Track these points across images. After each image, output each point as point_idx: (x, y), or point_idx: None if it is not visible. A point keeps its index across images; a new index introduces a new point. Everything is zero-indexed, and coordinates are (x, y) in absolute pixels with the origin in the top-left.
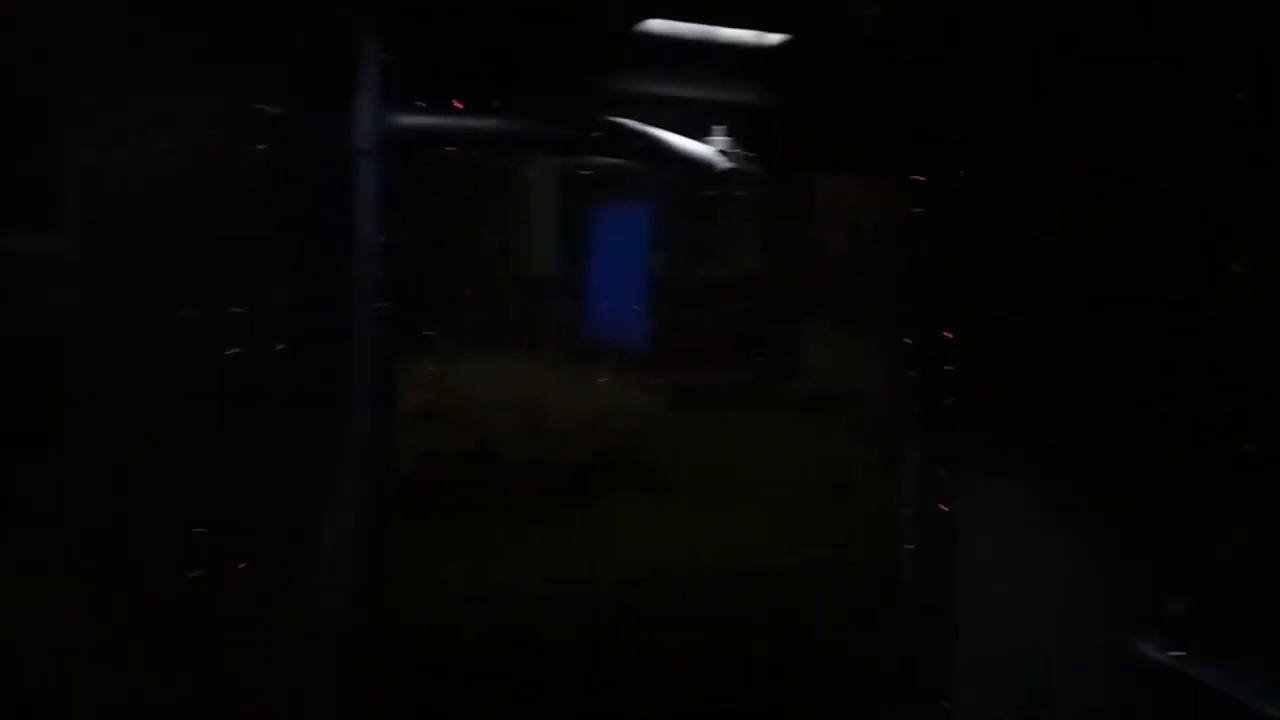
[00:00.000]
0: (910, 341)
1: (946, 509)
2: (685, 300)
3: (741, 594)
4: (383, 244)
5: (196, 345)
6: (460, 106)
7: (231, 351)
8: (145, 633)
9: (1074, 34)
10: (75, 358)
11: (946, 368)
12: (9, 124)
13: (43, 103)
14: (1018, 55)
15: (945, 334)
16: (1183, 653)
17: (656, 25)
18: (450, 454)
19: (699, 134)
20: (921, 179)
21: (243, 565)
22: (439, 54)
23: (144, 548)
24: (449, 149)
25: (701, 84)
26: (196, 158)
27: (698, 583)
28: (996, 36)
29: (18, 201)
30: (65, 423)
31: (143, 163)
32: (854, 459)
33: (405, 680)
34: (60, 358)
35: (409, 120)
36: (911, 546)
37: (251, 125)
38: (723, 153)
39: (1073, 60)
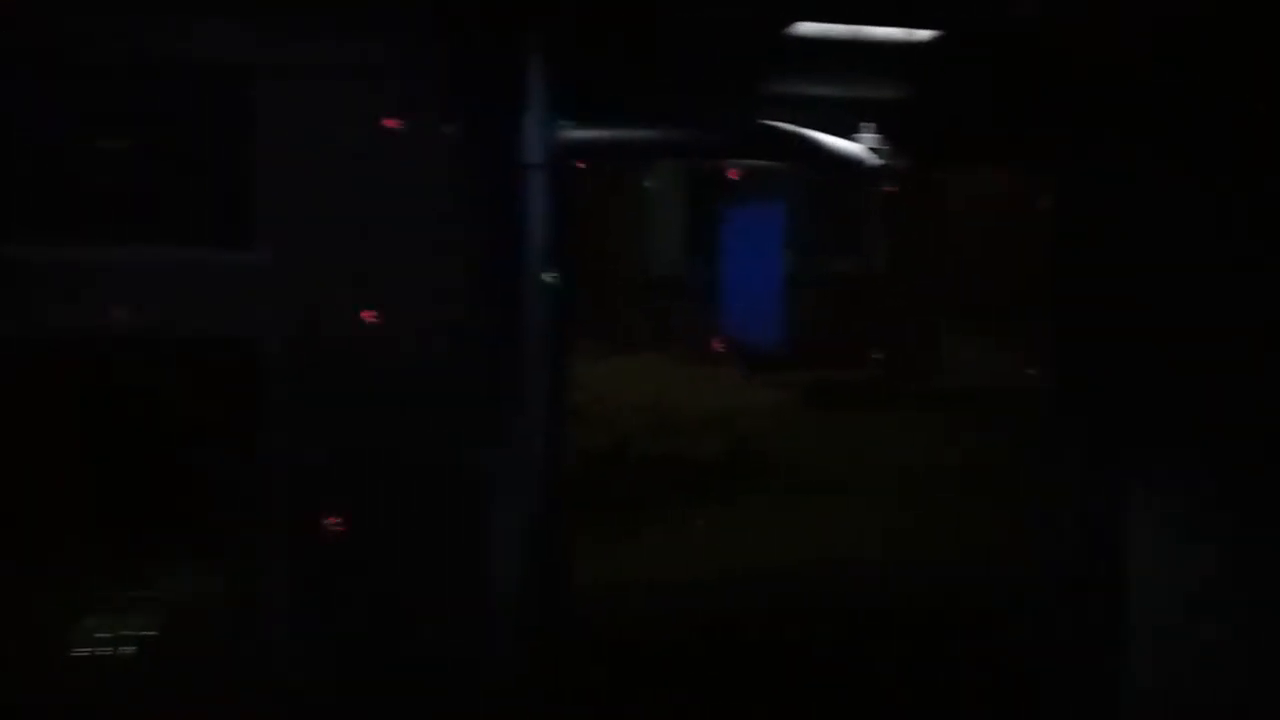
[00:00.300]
0: (1062, 337)
1: (1110, 508)
2: (823, 298)
3: (884, 591)
4: (548, 252)
5: (380, 347)
6: (624, 120)
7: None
8: (341, 612)
9: (1239, 31)
10: (271, 357)
11: (1104, 363)
12: (214, 150)
13: (246, 131)
14: (1175, 52)
15: (1098, 328)
16: None
17: (808, 28)
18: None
19: (847, 132)
20: (1069, 173)
21: (425, 551)
22: (600, 69)
23: (341, 535)
24: (609, 160)
25: (851, 83)
26: (378, 175)
27: (833, 577)
28: (1157, 32)
29: (220, 217)
30: (266, 419)
31: (330, 181)
32: (996, 456)
33: (568, 654)
34: (255, 358)
35: (573, 134)
36: (1072, 546)
37: (430, 144)
38: (872, 150)
39: (1235, 59)
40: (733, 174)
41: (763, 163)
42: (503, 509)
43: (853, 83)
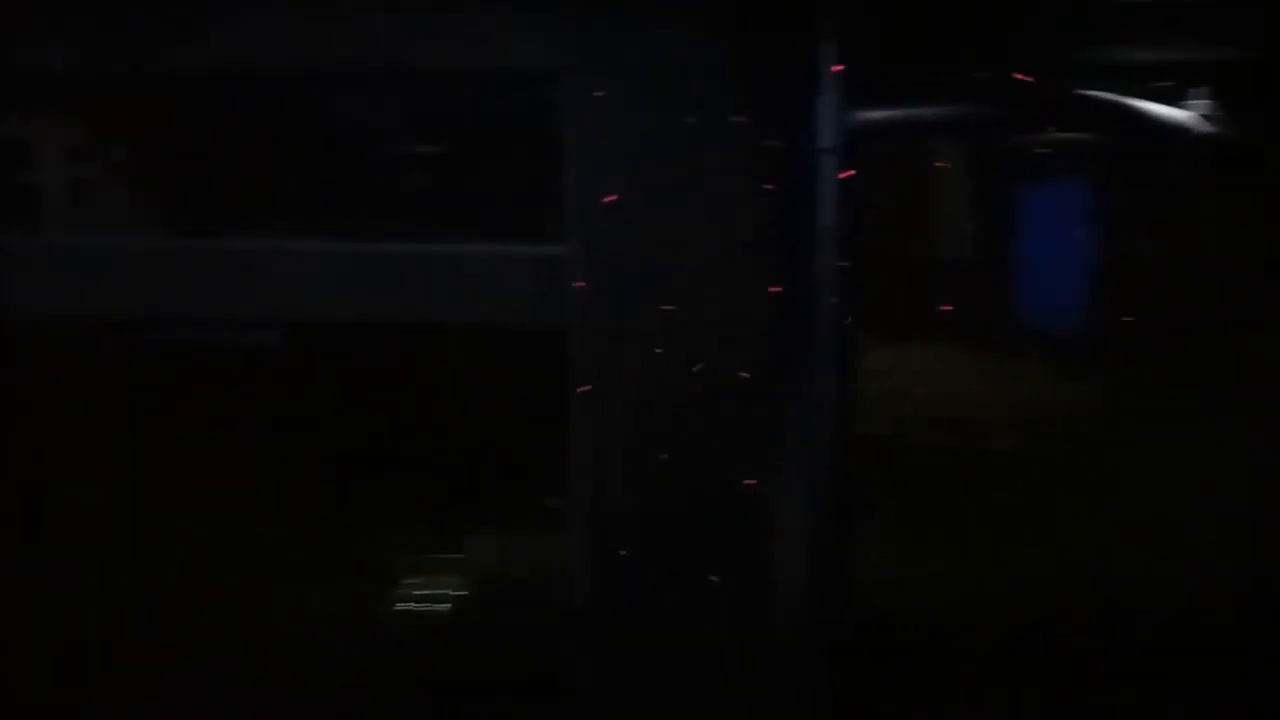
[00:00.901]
0: None
1: None
2: (1131, 282)
3: (1190, 603)
4: (841, 237)
5: (676, 336)
6: (920, 98)
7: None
8: (633, 592)
9: None
10: (576, 347)
11: None
12: (528, 150)
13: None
14: None
15: None
16: None
17: None
18: (889, 441)
19: (1174, 100)
20: None
21: (719, 543)
22: (895, 49)
23: (635, 520)
24: (906, 141)
25: (1175, 46)
26: (673, 168)
27: (1140, 586)
28: None
29: (533, 213)
30: (570, 406)
31: (630, 175)
32: None
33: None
34: (563, 348)
35: (867, 116)
36: None
37: (722, 134)
38: (1203, 118)
39: None
40: (1038, 149)
41: (1075, 136)
42: (790, 498)
43: (1181, 44)
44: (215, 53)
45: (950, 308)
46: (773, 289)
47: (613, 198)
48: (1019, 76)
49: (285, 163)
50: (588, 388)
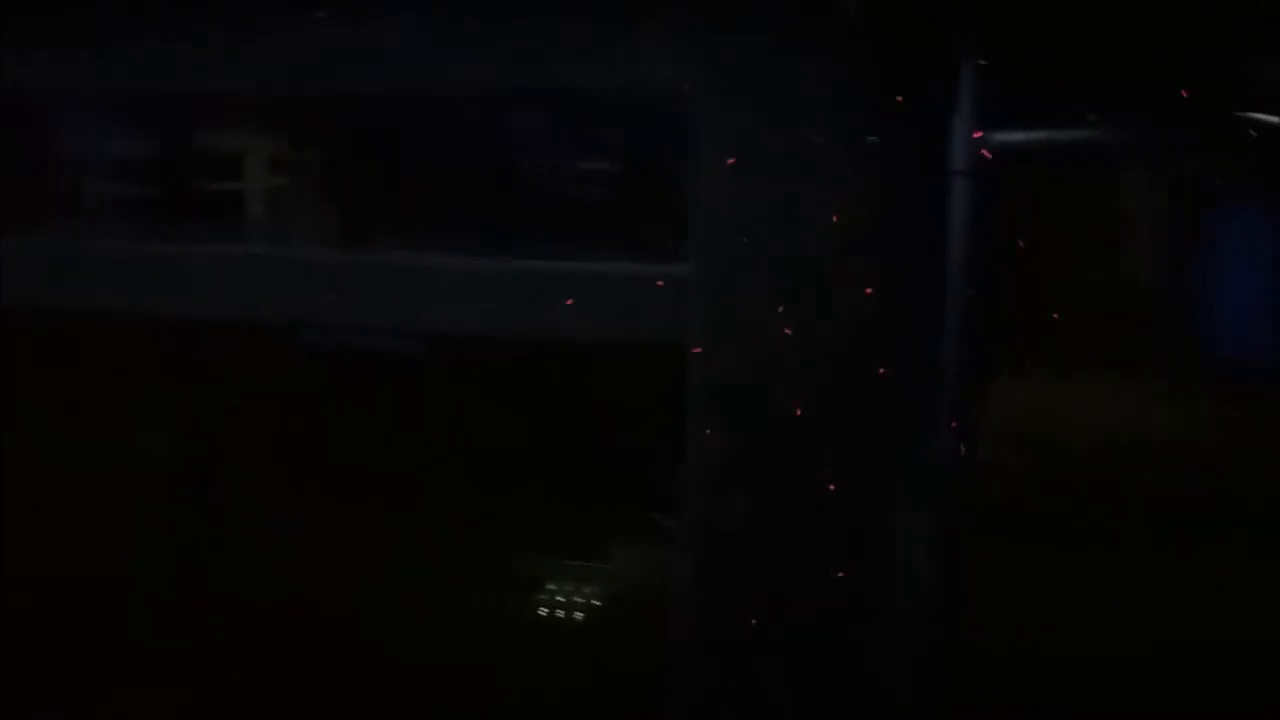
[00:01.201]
0: None
1: None
2: None
3: None
4: (975, 264)
5: (796, 356)
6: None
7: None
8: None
9: None
10: (694, 364)
11: None
12: (653, 169)
13: (679, 150)
14: None
15: None
16: None
17: None
18: (1035, 478)
19: None
20: None
21: (839, 573)
22: (1039, 66)
23: (745, 538)
24: (1049, 163)
25: None
26: (799, 188)
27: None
28: None
29: (656, 232)
30: (686, 421)
31: (754, 195)
32: None
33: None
34: (683, 367)
35: (1004, 137)
36: None
37: (851, 154)
38: None
39: None
40: (1213, 173)
41: (1242, 158)
42: (909, 528)
43: None
44: (366, 76)
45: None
46: (899, 314)
47: (735, 217)
48: (1185, 94)
49: (430, 180)
50: (735, 407)
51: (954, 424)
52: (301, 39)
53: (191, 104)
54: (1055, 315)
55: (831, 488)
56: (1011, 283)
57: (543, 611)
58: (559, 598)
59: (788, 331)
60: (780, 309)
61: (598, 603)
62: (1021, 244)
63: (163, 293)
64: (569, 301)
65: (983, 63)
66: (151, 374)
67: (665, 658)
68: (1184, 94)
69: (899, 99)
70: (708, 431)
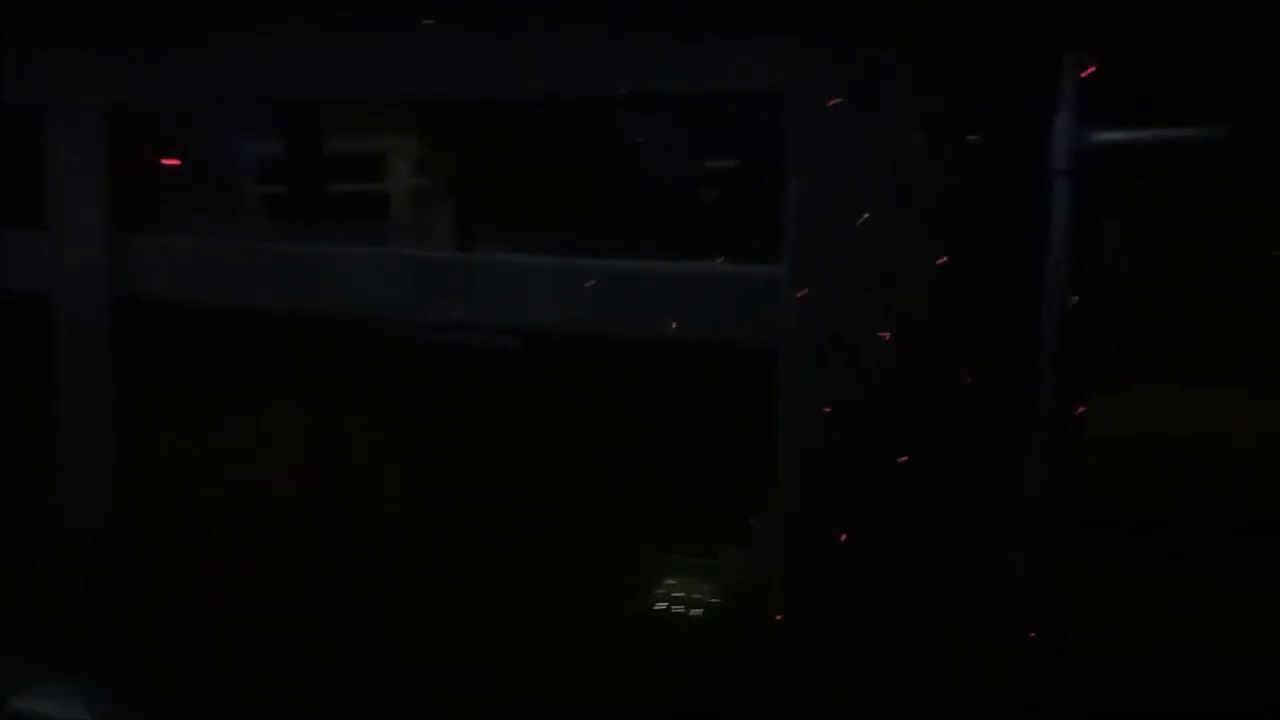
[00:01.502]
0: None
1: None
2: None
3: None
4: (1075, 268)
5: (889, 361)
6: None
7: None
8: (832, 616)
9: None
10: (786, 366)
11: None
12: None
13: (774, 150)
14: None
15: None
16: None
17: None
18: (1139, 491)
19: None
20: None
21: (915, 571)
22: (1142, 62)
23: (836, 543)
24: (1152, 163)
25: None
26: (894, 189)
27: None
28: None
29: (749, 233)
30: (778, 424)
31: (848, 195)
32: None
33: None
34: (772, 366)
35: (1109, 137)
36: None
37: (947, 155)
38: None
39: None
40: None
41: None
42: (1005, 544)
43: None
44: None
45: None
46: (997, 317)
47: (828, 217)
48: None
49: (533, 182)
50: (827, 409)
51: (1053, 429)
52: (448, 48)
53: (339, 110)
54: (1159, 320)
55: (922, 490)
56: (1114, 286)
57: (661, 606)
58: (677, 594)
59: (884, 335)
60: (874, 310)
61: (715, 600)
62: (1125, 246)
63: (297, 289)
64: (664, 301)
65: (1086, 60)
66: (286, 366)
67: (759, 658)
68: None
69: (997, 96)
70: (798, 431)
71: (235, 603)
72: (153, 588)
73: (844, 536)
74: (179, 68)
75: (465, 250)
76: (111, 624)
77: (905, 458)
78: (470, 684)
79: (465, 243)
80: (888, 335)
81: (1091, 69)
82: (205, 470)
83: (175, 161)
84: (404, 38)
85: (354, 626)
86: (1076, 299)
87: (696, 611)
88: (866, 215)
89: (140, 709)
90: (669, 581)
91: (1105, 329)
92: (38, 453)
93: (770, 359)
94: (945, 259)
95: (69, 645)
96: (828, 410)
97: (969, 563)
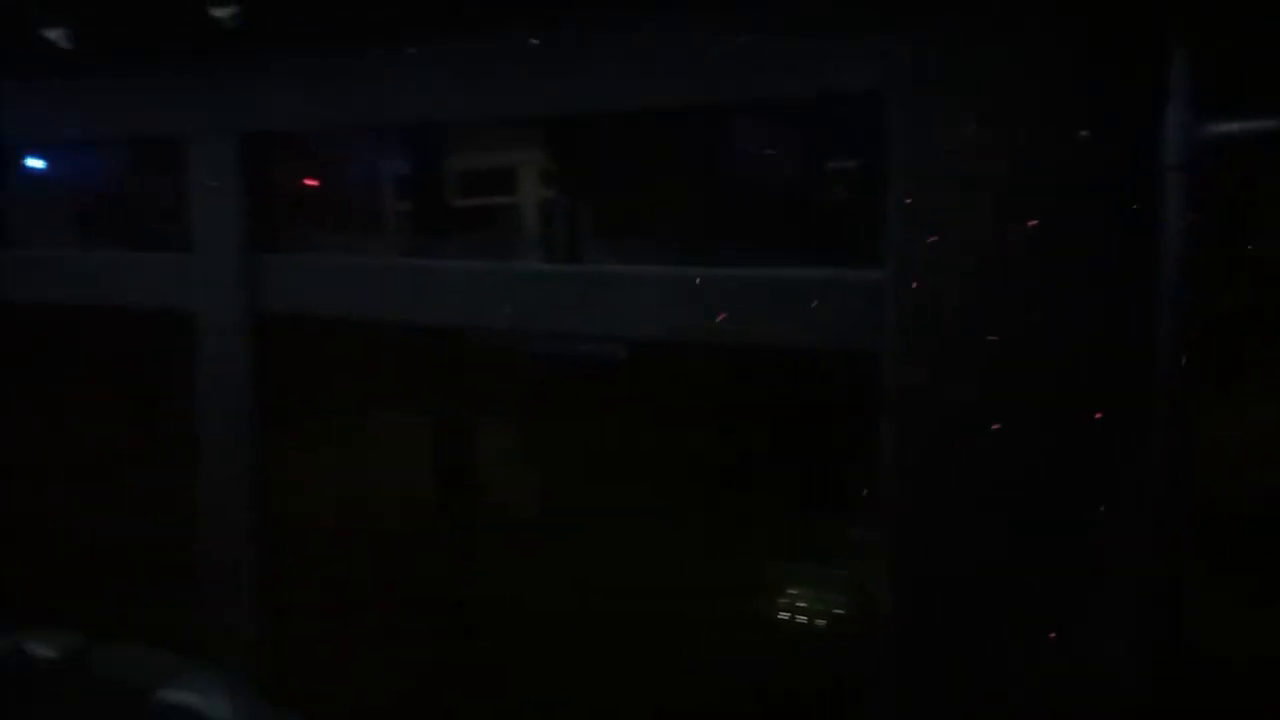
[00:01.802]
0: None
1: None
2: None
3: None
4: (1190, 265)
5: (996, 364)
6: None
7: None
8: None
9: None
10: (890, 371)
11: None
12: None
13: (877, 152)
14: None
15: None
16: None
17: None
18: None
19: None
20: None
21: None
22: (1259, 49)
23: (944, 548)
24: (1271, 156)
25: None
26: (999, 187)
27: None
28: None
29: (852, 235)
30: (882, 432)
31: (951, 195)
32: None
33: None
34: (872, 371)
35: (1224, 128)
36: None
37: (1054, 151)
38: None
39: None
40: None
41: None
42: (1125, 547)
43: None
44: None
45: None
46: (1107, 318)
47: (932, 218)
48: None
49: (631, 193)
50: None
51: (1165, 433)
52: (559, 68)
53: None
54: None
55: (1036, 496)
56: (1229, 284)
57: (784, 615)
58: (800, 603)
59: (992, 338)
60: (979, 313)
61: (839, 610)
62: (1242, 243)
63: (422, 303)
64: (766, 307)
65: (1198, 49)
66: (413, 376)
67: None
68: None
69: (1105, 89)
70: (901, 438)
71: (367, 603)
72: (290, 587)
73: (948, 542)
74: (312, 99)
75: (582, 261)
76: (253, 621)
77: (1009, 461)
78: (593, 686)
79: (582, 254)
80: (994, 337)
81: (1202, 60)
82: (336, 476)
83: (314, 182)
84: (522, 59)
85: (482, 627)
86: (1191, 297)
87: (820, 622)
88: (968, 216)
89: (276, 703)
90: (791, 591)
91: (1221, 326)
92: (182, 457)
93: (876, 363)
94: (1052, 258)
95: (213, 641)
96: (931, 414)
97: (1088, 568)
